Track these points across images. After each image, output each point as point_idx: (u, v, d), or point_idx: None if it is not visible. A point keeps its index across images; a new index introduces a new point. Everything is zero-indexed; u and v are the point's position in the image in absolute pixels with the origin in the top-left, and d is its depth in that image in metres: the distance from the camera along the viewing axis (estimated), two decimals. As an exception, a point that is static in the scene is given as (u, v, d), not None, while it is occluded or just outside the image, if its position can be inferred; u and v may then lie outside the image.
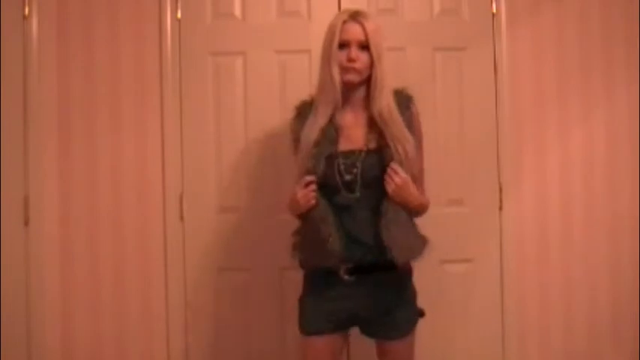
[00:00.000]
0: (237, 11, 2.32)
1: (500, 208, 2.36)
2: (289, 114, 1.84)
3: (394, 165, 1.65)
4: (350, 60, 1.66)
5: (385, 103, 1.69)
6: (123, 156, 2.28)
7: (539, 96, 2.39)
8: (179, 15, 2.30)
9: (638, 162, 2.40)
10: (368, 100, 1.72)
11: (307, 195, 1.64)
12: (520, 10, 2.39)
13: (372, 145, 1.70)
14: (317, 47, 1.82)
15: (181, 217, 2.27)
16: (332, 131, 1.69)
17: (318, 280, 1.72)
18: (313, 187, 1.64)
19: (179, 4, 2.30)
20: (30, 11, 2.15)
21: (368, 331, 1.77)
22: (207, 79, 2.30)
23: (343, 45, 1.67)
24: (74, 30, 2.28)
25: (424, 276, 2.31)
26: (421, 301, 2.31)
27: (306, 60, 2.27)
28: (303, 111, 1.76)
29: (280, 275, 2.25)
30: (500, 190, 2.36)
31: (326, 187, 1.67)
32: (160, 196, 2.27)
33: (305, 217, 1.69)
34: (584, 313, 2.39)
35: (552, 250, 2.38)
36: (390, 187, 1.65)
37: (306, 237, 1.70)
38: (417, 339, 2.31)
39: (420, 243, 1.76)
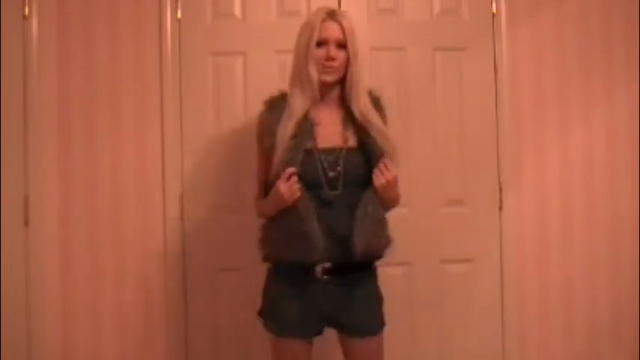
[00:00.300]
0: (237, 11, 2.32)
1: (500, 208, 2.36)
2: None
3: (387, 161, 1.65)
4: (329, 58, 1.67)
5: (363, 101, 1.70)
6: (123, 156, 2.28)
7: (539, 96, 2.40)
8: (179, 15, 2.30)
9: (638, 162, 2.40)
10: (342, 98, 1.74)
11: (292, 187, 1.60)
12: (520, 10, 2.39)
13: (352, 142, 1.70)
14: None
15: (181, 217, 2.27)
16: (308, 125, 1.68)
17: (293, 277, 1.69)
18: (295, 178, 1.61)
19: (179, 4, 2.30)
20: (30, 11, 2.15)
21: (340, 329, 1.75)
22: (207, 79, 2.30)
23: (321, 43, 1.68)
24: (74, 30, 2.27)
25: (424, 276, 2.33)
26: (421, 301, 2.33)
27: (306, 60, 2.27)
28: (275, 105, 1.74)
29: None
30: (500, 190, 2.36)
31: (305, 183, 1.64)
32: (160, 196, 2.27)
33: (285, 211, 1.64)
34: (584, 313, 2.39)
35: (552, 250, 2.39)
36: (379, 181, 1.64)
37: (285, 231, 1.65)
38: (417, 339, 2.33)
39: (386, 242, 1.74)
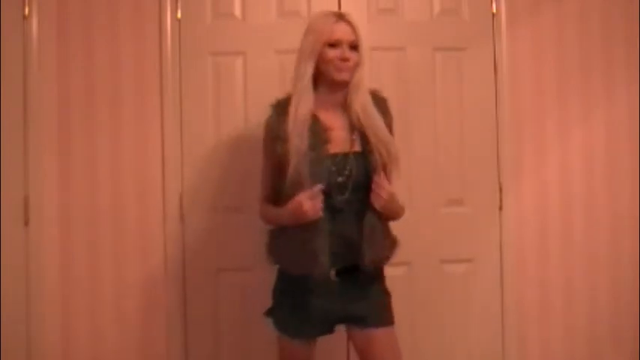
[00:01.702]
0: (237, 11, 2.32)
1: (500, 208, 2.36)
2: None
3: (378, 179, 1.64)
4: (344, 59, 1.67)
5: (360, 103, 1.68)
6: (123, 156, 2.28)
7: (539, 96, 2.39)
8: (179, 15, 2.30)
9: (638, 162, 2.40)
10: (346, 102, 1.73)
11: (316, 206, 1.59)
12: (520, 10, 2.39)
13: (358, 147, 1.70)
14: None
15: (181, 217, 2.27)
16: (320, 130, 1.67)
17: (304, 279, 1.68)
18: (322, 197, 1.59)
19: (179, 4, 2.30)
20: (30, 11, 2.15)
21: (354, 322, 1.73)
22: (207, 79, 2.30)
23: (334, 45, 1.68)
24: (74, 30, 2.27)
25: (424, 276, 2.33)
26: (421, 301, 2.33)
27: (306, 60, 2.27)
28: (283, 109, 1.71)
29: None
30: (500, 190, 2.36)
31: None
32: (160, 196, 2.27)
33: (300, 225, 1.62)
34: (584, 313, 2.39)
35: (552, 250, 2.38)
36: (378, 203, 1.64)
37: (293, 244, 1.65)
38: (417, 339, 2.33)
39: (392, 246, 1.75)
